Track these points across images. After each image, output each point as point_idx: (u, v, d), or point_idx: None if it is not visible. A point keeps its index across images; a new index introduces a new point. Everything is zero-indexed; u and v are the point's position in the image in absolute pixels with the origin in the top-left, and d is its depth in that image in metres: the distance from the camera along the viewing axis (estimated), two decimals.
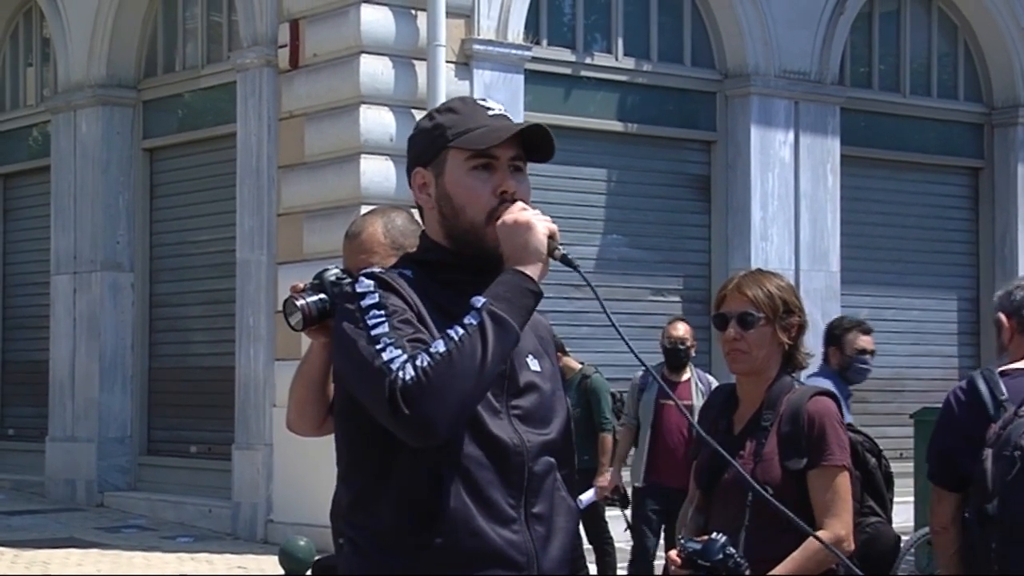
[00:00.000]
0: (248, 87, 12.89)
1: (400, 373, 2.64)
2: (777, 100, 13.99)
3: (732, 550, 3.86)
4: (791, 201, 14.04)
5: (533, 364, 2.92)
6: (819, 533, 3.93)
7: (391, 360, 2.66)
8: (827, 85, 14.33)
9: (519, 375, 2.87)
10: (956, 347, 15.53)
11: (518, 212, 2.80)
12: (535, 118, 12.87)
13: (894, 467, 4.83)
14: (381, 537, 2.79)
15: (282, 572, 8.17)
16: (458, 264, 2.88)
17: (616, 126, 13.59)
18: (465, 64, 12.39)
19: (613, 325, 2.87)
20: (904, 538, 6.78)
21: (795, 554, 3.97)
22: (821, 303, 13.89)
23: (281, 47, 12.59)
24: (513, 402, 2.84)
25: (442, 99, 12.00)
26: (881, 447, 4.74)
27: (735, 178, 13.91)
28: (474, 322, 2.67)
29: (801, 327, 4.24)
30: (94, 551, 11.85)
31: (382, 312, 2.74)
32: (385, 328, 2.72)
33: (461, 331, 2.67)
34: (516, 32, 12.71)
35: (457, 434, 2.73)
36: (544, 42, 13.18)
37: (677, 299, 13.81)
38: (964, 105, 15.70)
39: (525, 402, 2.86)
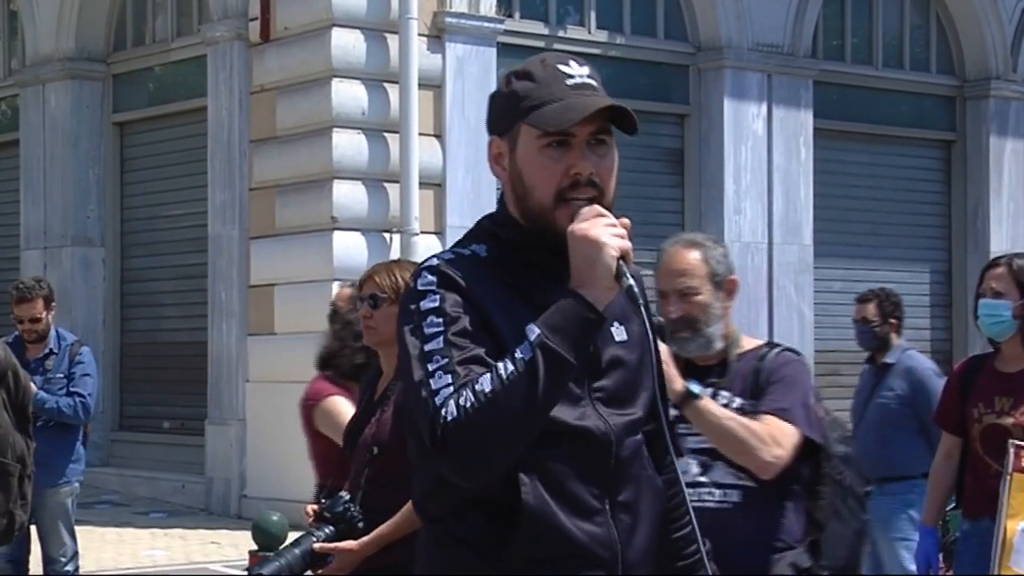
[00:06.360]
0: (219, 60, 12.80)
1: (444, 411, 2.48)
2: (750, 73, 13.98)
3: (350, 505, 4.30)
4: (764, 174, 14.04)
5: (618, 333, 2.71)
6: None
7: (438, 391, 2.51)
8: (800, 58, 14.31)
9: (602, 353, 2.67)
10: (928, 319, 15.57)
11: (590, 222, 2.58)
12: None
13: None
14: (458, 532, 2.64)
15: (255, 547, 8.16)
16: (537, 244, 2.67)
17: None
18: (437, 37, 12.33)
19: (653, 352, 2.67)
20: None
21: (398, 516, 4.22)
22: (794, 276, 13.92)
23: (252, 20, 12.50)
24: (596, 384, 2.66)
25: (414, 72, 11.95)
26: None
27: (708, 151, 13.90)
28: (525, 358, 2.48)
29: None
30: None
31: (440, 320, 2.57)
32: (440, 343, 2.55)
33: (511, 368, 2.48)
34: (488, 5, 12.65)
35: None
36: (516, 15, 13.12)
37: (650, 273, 13.75)
38: (936, 78, 15.71)
39: (608, 382, 2.67)
